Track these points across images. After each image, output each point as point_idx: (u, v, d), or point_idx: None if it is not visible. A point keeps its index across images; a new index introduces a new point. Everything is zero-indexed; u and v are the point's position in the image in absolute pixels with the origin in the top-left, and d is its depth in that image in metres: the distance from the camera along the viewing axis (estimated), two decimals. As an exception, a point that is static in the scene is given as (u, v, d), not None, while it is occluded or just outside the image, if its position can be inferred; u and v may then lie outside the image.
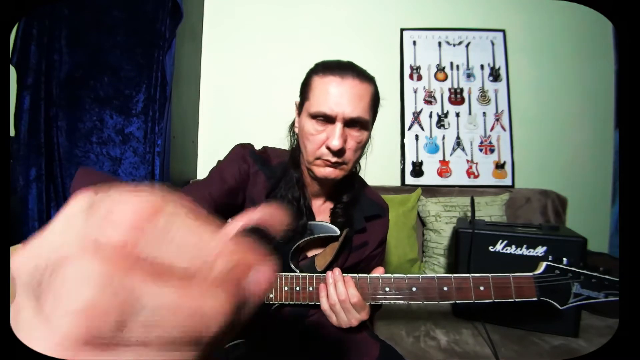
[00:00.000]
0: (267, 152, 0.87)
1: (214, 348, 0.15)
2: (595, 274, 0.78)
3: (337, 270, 0.76)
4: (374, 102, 0.77)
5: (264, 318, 0.79)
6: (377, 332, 1.07)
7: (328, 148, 0.73)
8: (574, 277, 0.79)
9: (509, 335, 1.18)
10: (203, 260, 0.14)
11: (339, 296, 0.73)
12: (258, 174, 0.83)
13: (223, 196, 0.81)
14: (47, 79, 1.45)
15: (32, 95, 1.44)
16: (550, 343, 1.14)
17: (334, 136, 0.72)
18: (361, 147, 0.78)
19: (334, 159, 0.74)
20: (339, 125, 0.72)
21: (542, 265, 0.80)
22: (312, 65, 0.80)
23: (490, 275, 0.78)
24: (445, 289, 0.77)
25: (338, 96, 0.72)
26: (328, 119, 0.73)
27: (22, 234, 1.41)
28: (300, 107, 0.81)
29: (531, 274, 0.79)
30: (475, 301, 0.77)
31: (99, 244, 0.13)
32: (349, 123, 0.74)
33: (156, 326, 0.13)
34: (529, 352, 1.10)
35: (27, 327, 0.12)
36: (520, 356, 1.08)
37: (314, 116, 0.74)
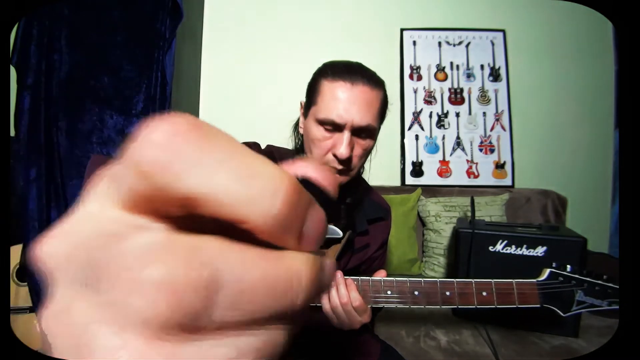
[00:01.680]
0: (272, 152, 0.87)
1: (302, 320, 0.13)
2: (599, 281, 0.76)
3: (338, 273, 0.75)
4: (383, 108, 0.76)
5: None
6: (376, 332, 1.07)
7: (335, 155, 0.72)
8: (577, 285, 0.77)
9: (509, 335, 1.18)
10: (270, 195, 0.10)
11: (341, 299, 0.72)
12: None
13: None
14: (47, 79, 1.45)
15: (32, 95, 1.43)
16: (550, 343, 1.14)
17: (342, 145, 0.70)
18: (367, 153, 0.78)
19: (340, 167, 0.73)
20: (346, 134, 0.71)
21: (546, 272, 0.78)
22: (315, 65, 0.78)
23: (493, 280, 0.76)
24: (448, 293, 0.76)
25: (347, 103, 0.70)
26: (336, 126, 0.72)
27: (22, 234, 1.40)
28: (306, 108, 0.78)
29: (534, 280, 0.77)
30: (478, 307, 0.76)
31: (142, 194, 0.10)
32: (357, 131, 0.72)
33: (240, 305, 0.10)
34: (529, 352, 1.10)
35: (86, 319, 0.10)
36: (520, 356, 1.08)
37: (322, 122, 0.72)
